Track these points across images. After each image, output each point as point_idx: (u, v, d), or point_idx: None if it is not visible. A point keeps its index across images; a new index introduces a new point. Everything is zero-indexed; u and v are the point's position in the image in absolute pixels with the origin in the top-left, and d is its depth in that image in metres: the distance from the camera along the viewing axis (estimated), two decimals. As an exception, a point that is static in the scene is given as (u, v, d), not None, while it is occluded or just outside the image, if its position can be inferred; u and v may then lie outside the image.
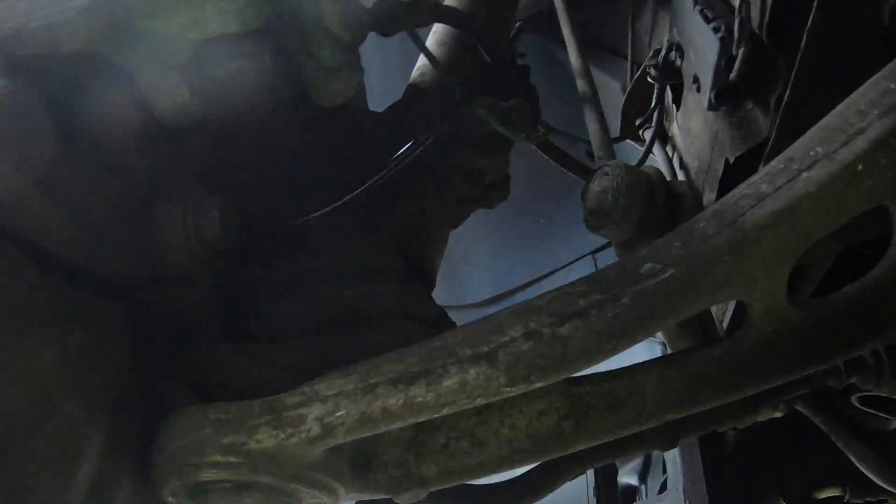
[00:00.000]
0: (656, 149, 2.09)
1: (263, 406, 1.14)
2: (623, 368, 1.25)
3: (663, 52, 1.84)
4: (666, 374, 1.21)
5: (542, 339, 1.05)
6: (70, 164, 1.06)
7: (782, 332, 1.15)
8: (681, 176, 1.95)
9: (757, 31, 1.29)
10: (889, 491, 1.94)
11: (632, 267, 1.07)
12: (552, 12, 2.31)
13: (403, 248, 1.50)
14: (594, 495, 3.25)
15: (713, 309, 1.71)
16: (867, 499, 2.27)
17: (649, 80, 1.95)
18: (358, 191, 1.41)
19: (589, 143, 1.78)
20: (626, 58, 2.46)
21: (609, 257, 3.73)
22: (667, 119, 2.10)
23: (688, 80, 1.69)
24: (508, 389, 1.07)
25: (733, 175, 1.49)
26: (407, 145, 1.42)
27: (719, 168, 1.52)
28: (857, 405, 1.86)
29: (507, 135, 1.53)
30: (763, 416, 1.68)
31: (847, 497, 2.31)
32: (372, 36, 1.46)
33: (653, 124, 2.07)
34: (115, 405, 1.18)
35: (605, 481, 3.26)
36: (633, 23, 2.35)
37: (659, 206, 1.27)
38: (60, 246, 1.07)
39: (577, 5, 2.24)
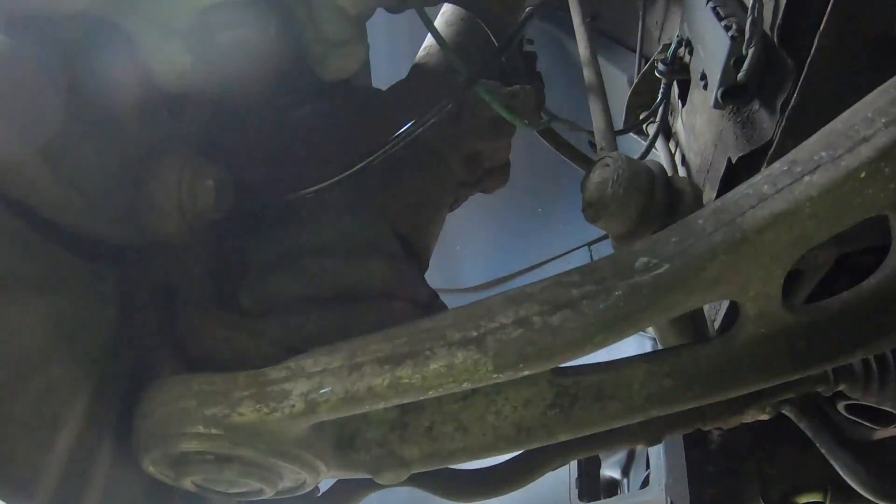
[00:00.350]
0: (659, 144, 2.08)
1: (248, 379, 1.13)
2: (611, 361, 1.24)
3: (672, 46, 1.83)
4: (654, 370, 1.21)
5: (532, 326, 1.05)
6: (69, 129, 1.05)
7: (774, 335, 1.15)
8: (682, 172, 1.95)
9: (768, 31, 1.28)
10: (869, 500, 1.94)
11: (626, 260, 1.06)
12: (563, 0, 2.29)
13: (398, 227, 1.50)
14: (576, 486, 3.26)
15: (706, 307, 1.71)
16: (847, 506, 2.28)
17: (656, 74, 1.94)
18: (355, 168, 1.40)
19: (592, 133, 1.77)
20: (634, 50, 2.45)
21: (605, 249, 3.73)
22: (671, 115, 2.10)
23: (695, 77, 1.68)
24: (495, 375, 1.07)
25: (735, 175, 1.49)
26: (407, 125, 1.41)
27: (721, 167, 1.52)
28: (844, 413, 1.86)
29: (509, 120, 1.52)
30: (749, 418, 1.68)
31: (827, 503, 2.32)
32: (380, 13, 1.45)
33: (657, 119, 2.06)
34: (100, 371, 1.18)
35: (588, 473, 3.27)
36: (644, 16, 2.34)
37: (658, 200, 1.27)
38: (53, 210, 1.06)
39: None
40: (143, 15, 1.06)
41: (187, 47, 1.09)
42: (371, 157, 1.40)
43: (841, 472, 1.94)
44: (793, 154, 1.03)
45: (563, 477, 3.32)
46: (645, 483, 2.86)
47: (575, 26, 2.05)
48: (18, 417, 0.99)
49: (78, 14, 1.00)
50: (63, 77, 1.06)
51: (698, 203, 1.30)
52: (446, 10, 2.08)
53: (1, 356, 0.97)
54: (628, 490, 3.19)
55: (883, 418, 1.82)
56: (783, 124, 1.26)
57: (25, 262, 1.04)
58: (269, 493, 1.27)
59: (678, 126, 2.01)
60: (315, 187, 1.41)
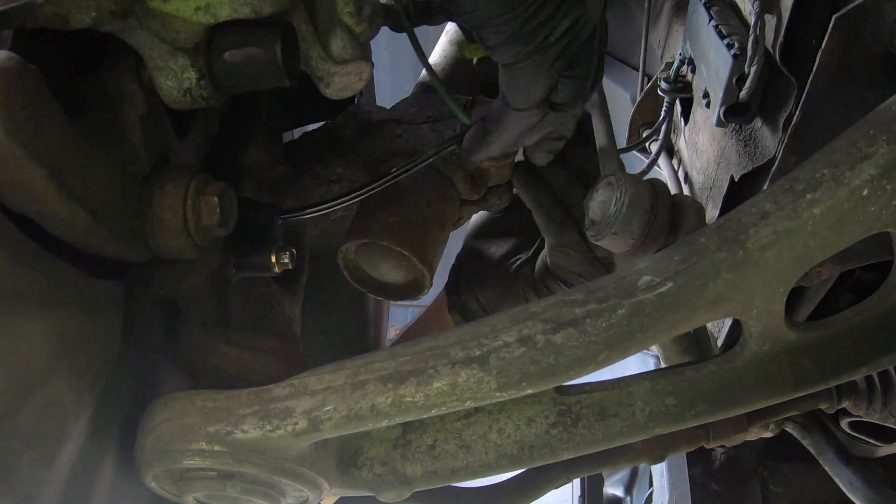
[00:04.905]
0: (662, 162, 2.09)
1: (251, 396, 1.14)
2: (615, 380, 1.24)
3: (675, 65, 1.84)
4: (657, 388, 1.21)
5: (535, 345, 1.05)
6: (75, 145, 1.05)
7: (777, 353, 1.15)
8: (685, 191, 1.95)
9: (770, 49, 1.29)
10: (874, 517, 1.93)
11: (630, 278, 1.07)
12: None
13: (402, 246, 1.50)
14: (579, 504, 3.26)
15: (709, 325, 1.71)
16: (852, 524, 2.27)
17: (659, 92, 1.95)
18: (356, 195, 1.41)
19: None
20: (637, 69, 2.45)
21: (608, 267, 3.72)
22: (674, 133, 2.10)
23: (698, 95, 1.68)
24: (498, 394, 1.07)
25: (738, 193, 1.49)
26: (415, 162, 1.43)
27: (724, 185, 1.52)
28: (847, 430, 1.86)
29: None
30: (753, 436, 1.68)
31: (832, 521, 2.31)
32: (384, 31, 1.45)
33: (660, 136, 2.06)
34: (103, 387, 1.18)
35: (591, 491, 3.27)
36: (647, 34, 2.34)
37: (661, 219, 1.27)
38: (58, 225, 1.06)
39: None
40: (151, 32, 1.06)
41: (194, 64, 1.09)
42: (368, 188, 1.41)
43: (844, 490, 1.94)
44: (795, 172, 1.04)
45: (567, 495, 3.32)
46: (648, 501, 2.86)
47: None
48: (21, 432, 0.99)
49: (85, 29, 1.01)
50: (69, 92, 1.07)
51: (701, 221, 1.30)
52: (450, 28, 2.09)
53: (4, 371, 0.98)
54: (631, 508, 3.18)
55: (886, 435, 1.82)
56: (785, 142, 1.26)
57: (30, 277, 1.04)
58: (271, 511, 1.26)
59: (681, 144, 2.01)
60: (317, 208, 1.42)
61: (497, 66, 1.23)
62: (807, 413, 1.86)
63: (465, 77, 1.95)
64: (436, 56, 2.06)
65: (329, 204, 1.41)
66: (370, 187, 1.41)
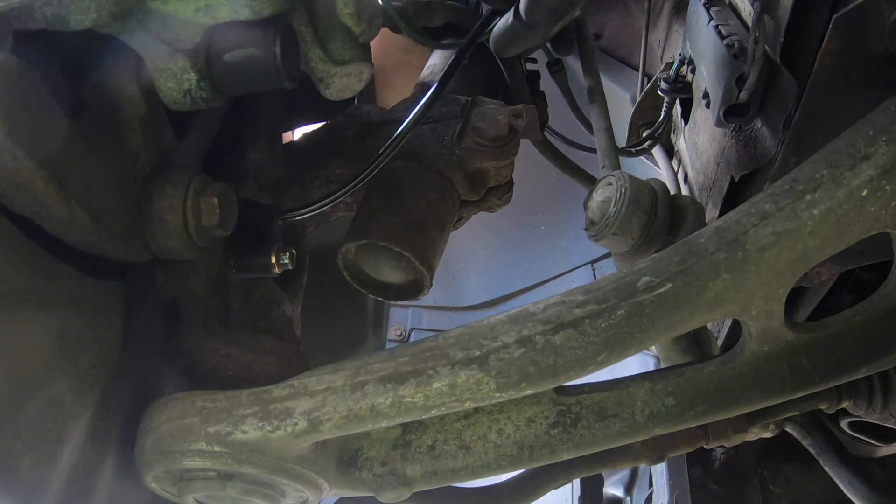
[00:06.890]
0: (662, 162, 2.09)
1: (252, 397, 1.14)
2: (614, 380, 1.24)
3: (675, 65, 1.84)
4: (657, 388, 1.21)
5: (534, 346, 1.05)
6: (75, 146, 1.05)
7: (777, 353, 1.15)
8: (685, 191, 1.95)
9: (770, 50, 1.29)
10: (874, 517, 1.93)
11: (629, 279, 1.07)
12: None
13: (401, 247, 1.50)
14: (579, 504, 3.25)
15: (709, 325, 1.71)
16: (852, 524, 2.27)
17: (659, 92, 1.95)
18: (350, 186, 1.41)
19: (585, 148, 1.78)
20: (637, 69, 2.45)
21: (608, 267, 3.73)
22: (674, 133, 2.10)
23: (697, 95, 1.68)
24: (498, 395, 1.07)
25: (737, 193, 1.49)
26: (390, 141, 1.43)
27: (724, 185, 1.52)
28: (847, 430, 1.86)
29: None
30: (753, 436, 1.67)
31: (832, 521, 2.30)
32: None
33: (658, 126, 2.06)
34: (104, 387, 1.18)
35: (591, 491, 3.26)
36: (647, 35, 2.34)
37: (661, 219, 1.27)
38: (58, 226, 1.06)
39: (591, 14, 2.24)
40: (150, 33, 1.06)
41: (193, 65, 1.09)
42: (357, 180, 1.41)
43: (844, 490, 1.94)
44: (795, 172, 1.04)
45: (566, 495, 3.31)
46: (648, 501, 2.85)
47: (578, 45, 2.06)
48: (22, 432, 0.99)
49: (85, 31, 1.01)
50: (68, 93, 1.07)
51: (700, 222, 1.30)
52: (450, 29, 2.09)
53: (5, 371, 0.98)
54: (631, 508, 3.18)
55: (886, 435, 1.82)
56: (785, 142, 1.26)
57: (30, 278, 1.04)
58: (271, 511, 1.26)
59: (681, 144, 2.01)
60: (315, 206, 1.42)
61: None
62: (807, 413, 1.86)
63: (465, 78, 1.95)
64: (435, 57, 2.06)
65: (326, 200, 1.41)
66: (365, 173, 1.41)
